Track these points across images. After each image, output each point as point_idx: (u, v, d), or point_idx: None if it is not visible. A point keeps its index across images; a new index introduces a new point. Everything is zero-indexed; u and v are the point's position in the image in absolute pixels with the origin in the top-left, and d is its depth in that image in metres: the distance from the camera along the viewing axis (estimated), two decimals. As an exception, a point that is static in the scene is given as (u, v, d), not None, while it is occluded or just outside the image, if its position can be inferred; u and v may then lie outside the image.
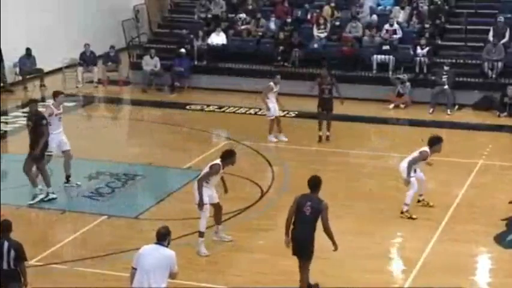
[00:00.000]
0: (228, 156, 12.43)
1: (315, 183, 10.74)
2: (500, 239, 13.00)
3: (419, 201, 14.36)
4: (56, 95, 15.54)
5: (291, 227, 10.71)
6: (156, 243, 9.27)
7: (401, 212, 13.85)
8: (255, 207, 14.46)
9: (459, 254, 12.50)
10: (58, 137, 15.21)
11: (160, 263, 9.16)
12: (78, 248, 12.82)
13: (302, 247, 10.68)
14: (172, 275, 9.29)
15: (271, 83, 18.09)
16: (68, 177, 15.48)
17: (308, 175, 16.00)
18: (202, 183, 12.28)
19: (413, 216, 13.78)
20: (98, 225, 13.69)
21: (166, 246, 9.27)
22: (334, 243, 10.69)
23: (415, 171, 13.86)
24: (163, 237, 9.29)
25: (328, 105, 18.27)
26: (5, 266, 9.48)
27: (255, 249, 12.66)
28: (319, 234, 13.13)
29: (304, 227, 10.60)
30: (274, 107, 18.12)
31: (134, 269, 9.23)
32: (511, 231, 13.30)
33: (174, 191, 15.36)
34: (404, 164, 13.84)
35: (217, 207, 12.75)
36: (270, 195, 15.08)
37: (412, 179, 13.76)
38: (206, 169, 12.41)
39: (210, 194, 12.47)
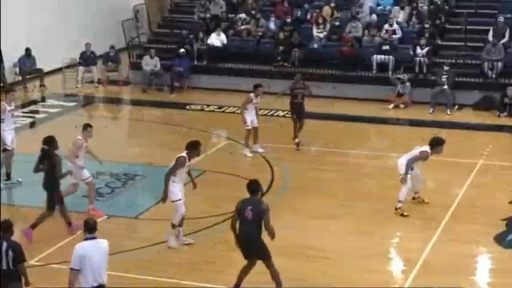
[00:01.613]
0: (193, 147, 12.33)
1: (254, 187, 10.76)
2: (500, 239, 13.01)
3: (414, 198, 14.37)
4: (7, 92, 15.99)
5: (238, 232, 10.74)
6: (91, 238, 9.27)
7: (396, 209, 13.85)
8: (255, 207, 14.44)
9: (459, 254, 12.51)
10: (12, 134, 15.51)
11: (105, 256, 9.29)
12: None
13: (253, 251, 10.68)
14: None
15: (252, 94, 17.49)
16: (8, 174, 15.59)
17: (308, 175, 16.22)
18: (170, 177, 12.24)
19: (405, 213, 13.80)
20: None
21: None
22: (272, 237, 10.62)
23: (412, 168, 13.86)
24: (94, 229, 9.31)
25: (300, 110, 17.98)
26: (4, 266, 9.49)
27: (255, 249, 12.64)
28: (317, 235, 13.24)
29: (248, 231, 10.60)
30: (251, 119, 17.52)
31: (76, 270, 9.15)
32: (511, 231, 13.32)
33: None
34: (402, 161, 13.85)
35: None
36: (270, 196, 15.04)
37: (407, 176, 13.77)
38: (172, 162, 12.36)
39: (180, 190, 12.41)
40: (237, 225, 10.71)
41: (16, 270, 9.55)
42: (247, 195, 14.91)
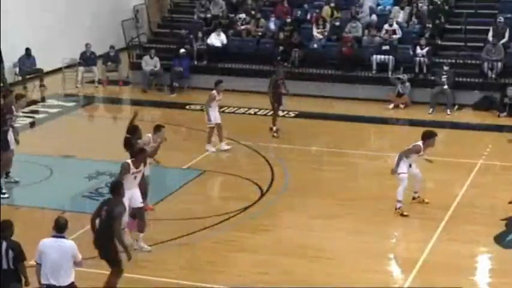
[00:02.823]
0: (137, 153, 12.29)
1: (113, 187, 10.71)
2: (500, 239, 13.02)
3: (414, 198, 14.35)
4: (18, 98, 15.95)
5: None
6: (55, 236, 9.32)
7: (395, 209, 13.85)
8: (255, 207, 14.47)
9: (459, 253, 12.50)
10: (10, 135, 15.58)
11: (63, 256, 9.25)
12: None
13: (101, 252, 10.62)
14: (77, 264, 9.40)
15: (214, 92, 17.49)
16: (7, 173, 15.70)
17: (308, 175, 16.22)
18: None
19: (405, 213, 13.78)
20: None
21: (65, 237, 9.29)
22: (126, 252, 10.50)
23: (410, 166, 13.86)
24: (62, 229, 9.32)
25: (281, 100, 18.92)
26: (4, 266, 9.51)
27: (255, 249, 12.66)
28: (317, 235, 13.25)
29: (100, 232, 10.60)
30: (215, 115, 17.55)
31: (39, 264, 9.40)
32: (510, 231, 13.32)
33: (173, 191, 15.36)
34: (396, 156, 13.90)
35: (138, 213, 12.43)
36: (270, 195, 15.08)
37: (403, 175, 13.75)
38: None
39: (130, 196, 12.18)
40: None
41: (16, 270, 9.56)
42: (246, 194, 15.04)
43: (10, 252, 9.49)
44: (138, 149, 12.57)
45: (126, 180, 12.04)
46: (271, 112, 19.13)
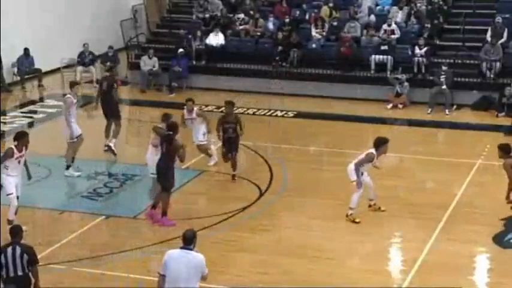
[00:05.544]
0: (20, 137, 12.72)
1: None
2: (498, 239, 13.04)
3: (370, 206, 14.17)
4: (72, 85, 16.48)
5: None
6: (183, 248, 9.07)
7: (346, 216, 13.64)
8: (254, 207, 14.48)
9: (458, 253, 12.52)
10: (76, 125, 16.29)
11: (192, 269, 8.97)
12: (76, 248, 12.82)
13: None
14: (203, 278, 9.13)
15: (184, 111, 16.54)
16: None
17: (308, 175, 16.22)
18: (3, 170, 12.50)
19: (357, 220, 13.58)
20: (96, 225, 13.70)
21: (193, 250, 9.06)
22: None
23: (362, 174, 13.66)
24: (189, 241, 9.06)
25: (233, 145, 15.84)
26: (20, 272, 9.40)
27: (255, 249, 12.68)
28: (317, 235, 13.25)
29: None
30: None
31: (162, 275, 9.04)
32: (509, 231, 13.34)
33: (172, 191, 15.32)
34: (352, 166, 13.58)
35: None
36: (269, 196, 15.09)
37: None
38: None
39: (16, 183, 12.70)
40: None
41: (28, 274, 9.47)
42: (245, 194, 15.03)
43: (25, 256, 9.42)
44: (20, 132, 13.10)
45: (11, 165, 12.55)
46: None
